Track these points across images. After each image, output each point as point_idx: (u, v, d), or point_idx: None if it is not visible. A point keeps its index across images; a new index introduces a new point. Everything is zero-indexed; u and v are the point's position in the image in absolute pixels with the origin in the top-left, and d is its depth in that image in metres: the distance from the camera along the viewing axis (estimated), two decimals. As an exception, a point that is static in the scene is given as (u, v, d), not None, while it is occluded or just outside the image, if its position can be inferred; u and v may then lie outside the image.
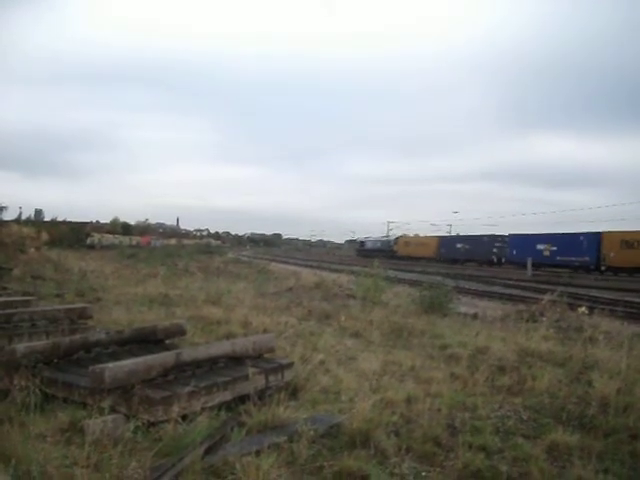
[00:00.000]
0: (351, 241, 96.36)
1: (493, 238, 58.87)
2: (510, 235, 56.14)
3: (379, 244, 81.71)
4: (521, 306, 16.51)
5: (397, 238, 79.24)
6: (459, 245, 63.82)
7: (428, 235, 75.68)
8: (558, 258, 48.01)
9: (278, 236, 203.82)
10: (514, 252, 53.09)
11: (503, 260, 55.51)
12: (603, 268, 43.40)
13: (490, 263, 56.13)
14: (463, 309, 16.64)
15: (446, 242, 67.62)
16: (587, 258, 45.08)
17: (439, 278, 23.84)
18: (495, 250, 56.71)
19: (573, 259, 46.39)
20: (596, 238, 44.82)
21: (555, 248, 48.70)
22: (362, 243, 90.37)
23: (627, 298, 21.80)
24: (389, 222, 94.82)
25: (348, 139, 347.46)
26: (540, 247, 49.82)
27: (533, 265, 43.72)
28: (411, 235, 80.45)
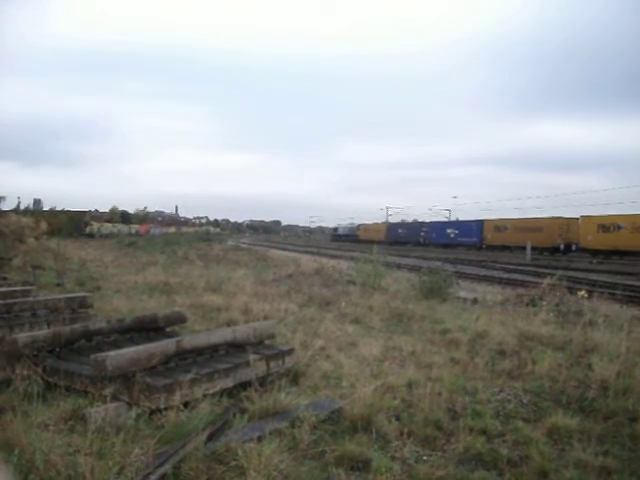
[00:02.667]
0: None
1: (421, 225, 74.02)
2: (431, 222, 72.92)
3: (347, 230, 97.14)
4: (521, 290, 16.51)
5: (359, 225, 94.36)
6: (400, 230, 78.75)
7: (379, 222, 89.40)
8: (459, 239, 62.77)
9: (277, 223, 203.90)
10: (433, 235, 67.98)
11: (427, 242, 68.27)
12: (484, 246, 57.48)
13: (419, 244, 68.45)
14: (463, 294, 16.66)
15: (391, 228, 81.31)
16: (475, 239, 59.74)
17: (438, 263, 23.86)
18: (422, 234, 70.93)
19: (467, 240, 61.08)
20: (480, 224, 60.18)
21: (457, 231, 64.02)
22: (335, 229, 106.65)
23: (627, 282, 21.84)
24: (388, 208, 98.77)
25: (348, 126, 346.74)
26: (448, 231, 65.36)
27: (442, 245, 56.02)
28: (370, 223, 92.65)
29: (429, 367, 7.13)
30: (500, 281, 23.13)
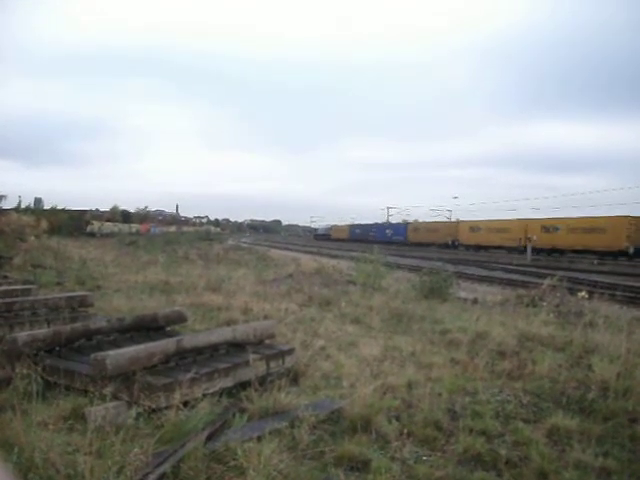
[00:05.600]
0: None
1: (370, 226, 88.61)
2: (375, 224, 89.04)
3: (324, 231, 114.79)
4: (521, 291, 16.50)
5: (332, 227, 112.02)
6: (357, 231, 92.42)
7: (344, 224, 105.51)
8: (393, 238, 76.49)
9: (278, 222, 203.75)
10: (378, 234, 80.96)
11: (373, 239, 74.44)
12: (409, 243, 70.85)
13: (368, 241, 71.09)
14: (463, 294, 16.67)
15: (352, 229, 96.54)
16: (402, 238, 75.09)
17: (439, 263, 23.85)
18: (371, 233, 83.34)
19: (398, 238, 75.41)
20: (405, 226, 79.86)
21: (392, 231, 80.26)
22: (316, 230, 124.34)
23: (627, 282, 21.83)
24: (388, 208, 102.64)
25: (350, 125, 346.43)
26: (387, 232, 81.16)
27: (378, 242, 56.22)
28: (339, 224, 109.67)
29: (429, 367, 7.13)
30: (500, 281, 23.14)
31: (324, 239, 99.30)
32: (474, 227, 62.06)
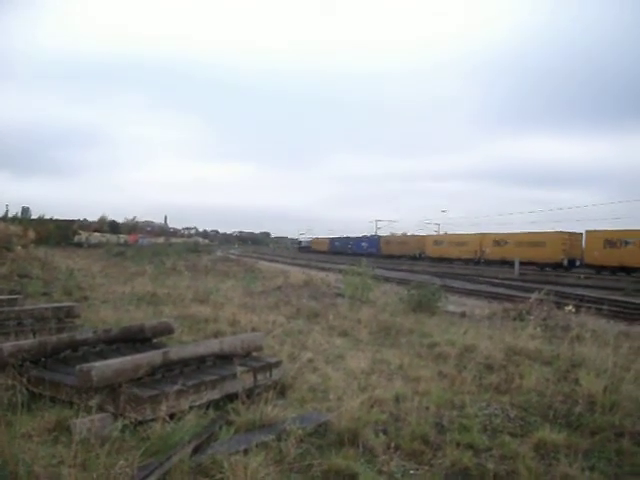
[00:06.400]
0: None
1: (348, 239, 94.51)
2: (353, 237, 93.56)
3: (306, 243, 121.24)
4: (508, 305, 16.57)
5: (313, 239, 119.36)
6: (336, 243, 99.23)
7: (325, 237, 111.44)
8: (368, 250, 78.94)
9: (266, 235, 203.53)
10: (355, 247, 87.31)
11: (351, 251, 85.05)
12: (380, 255, 73.70)
13: (347, 253, 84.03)
14: (451, 308, 16.70)
15: (332, 241, 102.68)
16: (375, 250, 78.86)
17: (427, 276, 23.91)
18: (349, 246, 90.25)
19: (372, 250, 78.63)
20: (377, 239, 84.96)
21: (367, 244, 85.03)
22: (300, 242, 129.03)
23: (612, 297, 21.97)
24: (377, 221, 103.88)
25: (337, 138, 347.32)
26: (362, 244, 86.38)
27: (354, 254, 72.27)
28: (320, 237, 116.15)
29: (417, 381, 7.13)
30: (488, 295, 23.22)
31: (306, 251, 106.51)
32: (438, 241, 68.59)
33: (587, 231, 47.31)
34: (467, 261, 58.05)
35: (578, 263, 47.43)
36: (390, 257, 72.01)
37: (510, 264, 48.69)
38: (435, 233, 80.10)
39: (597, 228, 46.48)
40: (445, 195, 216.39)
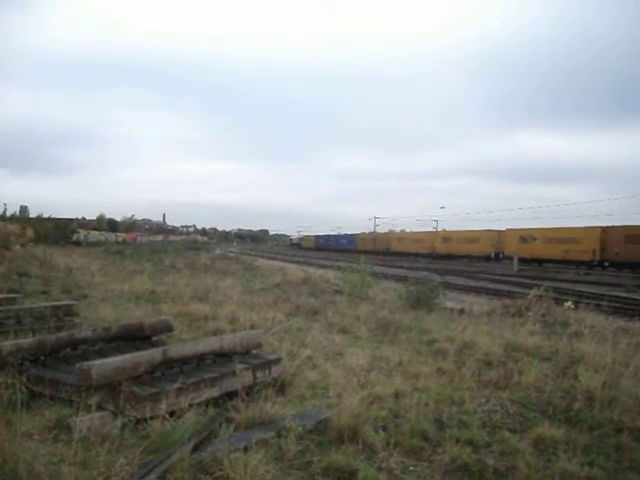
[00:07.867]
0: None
1: (330, 237, 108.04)
2: (334, 235, 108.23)
3: (297, 240, 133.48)
4: (507, 301, 16.57)
5: (303, 237, 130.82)
6: (321, 240, 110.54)
7: (312, 235, 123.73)
8: (346, 247, 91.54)
9: (265, 232, 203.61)
10: (335, 243, 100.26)
11: (332, 248, 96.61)
12: (355, 251, 77.09)
13: (330, 250, 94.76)
14: (450, 304, 16.71)
15: (318, 238, 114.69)
16: (352, 247, 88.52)
17: (425, 273, 23.92)
18: (331, 243, 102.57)
19: (350, 247, 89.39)
20: (354, 237, 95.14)
21: (345, 241, 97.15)
22: (291, 239, 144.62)
23: (612, 293, 21.99)
24: (376, 217, 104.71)
25: (336, 136, 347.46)
26: (342, 241, 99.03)
27: (336, 250, 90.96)
28: (309, 235, 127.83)
29: (416, 377, 7.13)
30: (487, 292, 23.23)
31: (297, 248, 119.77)
32: (400, 238, 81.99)
33: (507, 229, 56.65)
34: (425, 255, 65.49)
35: (501, 255, 56.51)
36: (364, 252, 75.01)
37: (452, 258, 61.11)
38: (433, 229, 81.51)
39: (578, 225, 50.44)
40: (445, 192, 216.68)
